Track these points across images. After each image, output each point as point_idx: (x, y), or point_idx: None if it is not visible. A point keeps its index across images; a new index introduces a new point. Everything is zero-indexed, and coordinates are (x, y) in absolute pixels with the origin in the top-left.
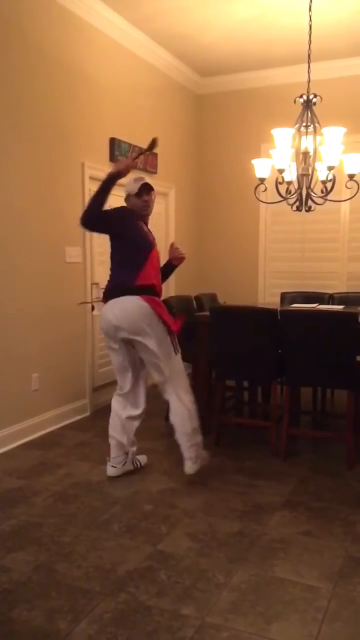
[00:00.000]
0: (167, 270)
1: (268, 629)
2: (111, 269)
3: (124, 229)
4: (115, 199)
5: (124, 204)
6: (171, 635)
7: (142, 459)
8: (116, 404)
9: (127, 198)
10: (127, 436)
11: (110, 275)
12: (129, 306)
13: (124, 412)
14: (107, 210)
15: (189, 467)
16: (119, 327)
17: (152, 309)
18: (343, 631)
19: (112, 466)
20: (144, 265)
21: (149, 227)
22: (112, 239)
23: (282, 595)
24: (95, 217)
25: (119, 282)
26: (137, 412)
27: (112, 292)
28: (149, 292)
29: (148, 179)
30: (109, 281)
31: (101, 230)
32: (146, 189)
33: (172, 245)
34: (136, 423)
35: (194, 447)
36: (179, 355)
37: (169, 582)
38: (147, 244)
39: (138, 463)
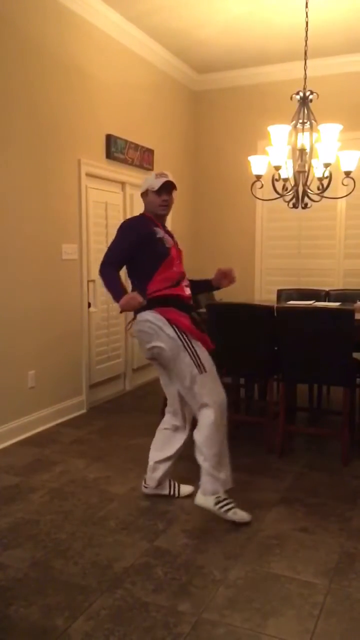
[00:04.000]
0: (204, 287)
1: (264, 625)
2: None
3: (142, 250)
4: (110, 195)
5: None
6: (168, 632)
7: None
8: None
9: (145, 193)
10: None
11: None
12: None
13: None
14: (122, 252)
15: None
16: None
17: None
18: (339, 627)
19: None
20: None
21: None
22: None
23: (278, 591)
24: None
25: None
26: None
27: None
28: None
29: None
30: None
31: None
32: (167, 188)
33: (221, 270)
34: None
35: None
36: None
37: (165, 579)
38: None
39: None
